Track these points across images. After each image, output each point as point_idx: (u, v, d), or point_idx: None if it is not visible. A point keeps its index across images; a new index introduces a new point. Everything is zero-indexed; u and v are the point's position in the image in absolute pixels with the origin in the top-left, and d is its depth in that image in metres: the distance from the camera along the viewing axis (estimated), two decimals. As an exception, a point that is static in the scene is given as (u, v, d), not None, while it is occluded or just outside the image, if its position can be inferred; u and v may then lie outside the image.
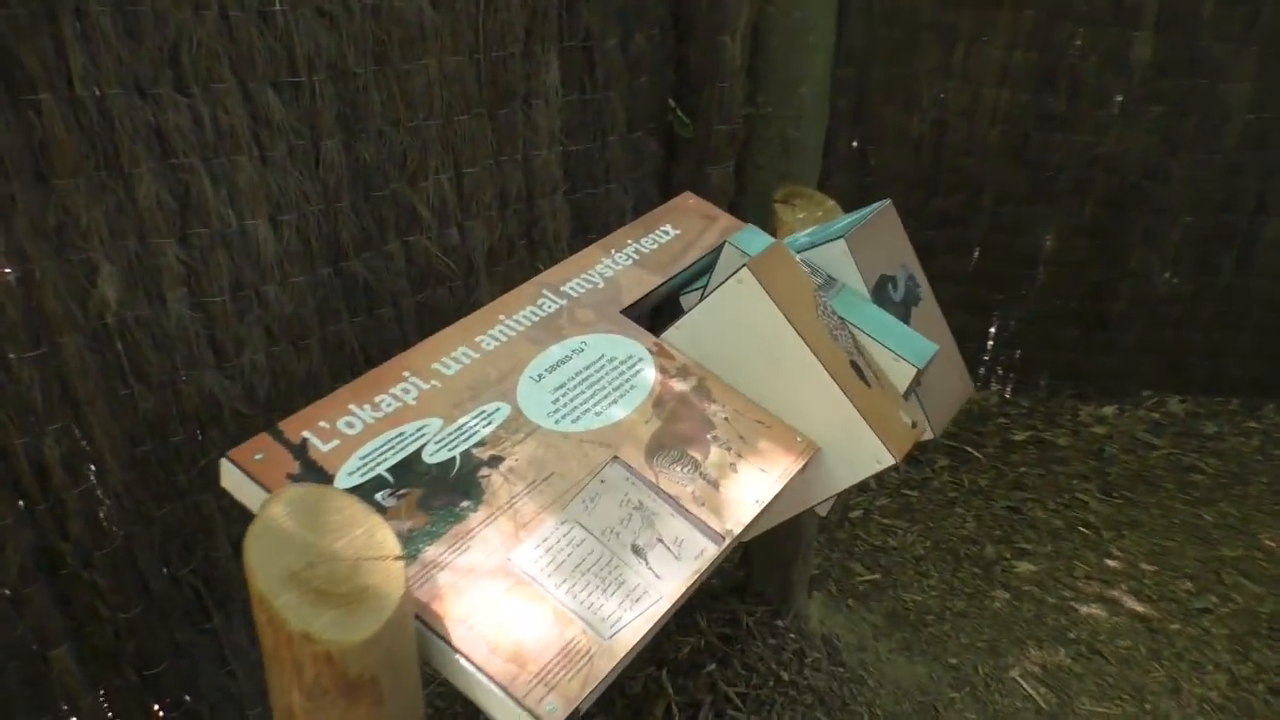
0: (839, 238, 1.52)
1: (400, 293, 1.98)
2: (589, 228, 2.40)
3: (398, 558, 1.04)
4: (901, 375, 1.48)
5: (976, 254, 3.21)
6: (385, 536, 1.06)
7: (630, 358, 1.51)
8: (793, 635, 2.19)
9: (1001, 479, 2.99)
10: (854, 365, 1.45)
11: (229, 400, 1.70)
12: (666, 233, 1.78)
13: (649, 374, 1.49)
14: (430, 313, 2.08)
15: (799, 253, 1.56)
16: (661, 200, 2.62)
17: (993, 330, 3.38)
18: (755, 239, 1.57)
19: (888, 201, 1.62)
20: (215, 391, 1.67)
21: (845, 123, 2.91)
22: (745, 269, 1.42)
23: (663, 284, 1.67)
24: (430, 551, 1.16)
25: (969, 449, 3.11)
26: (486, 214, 2.12)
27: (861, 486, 2.90)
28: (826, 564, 2.55)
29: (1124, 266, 3.21)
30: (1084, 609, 2.48)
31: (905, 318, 1.58)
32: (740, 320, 1.46)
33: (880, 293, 1.55)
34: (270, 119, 1.64)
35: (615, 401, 1.43)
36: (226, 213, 1.63)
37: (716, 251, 1.77)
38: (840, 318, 1.48)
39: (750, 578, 2.25)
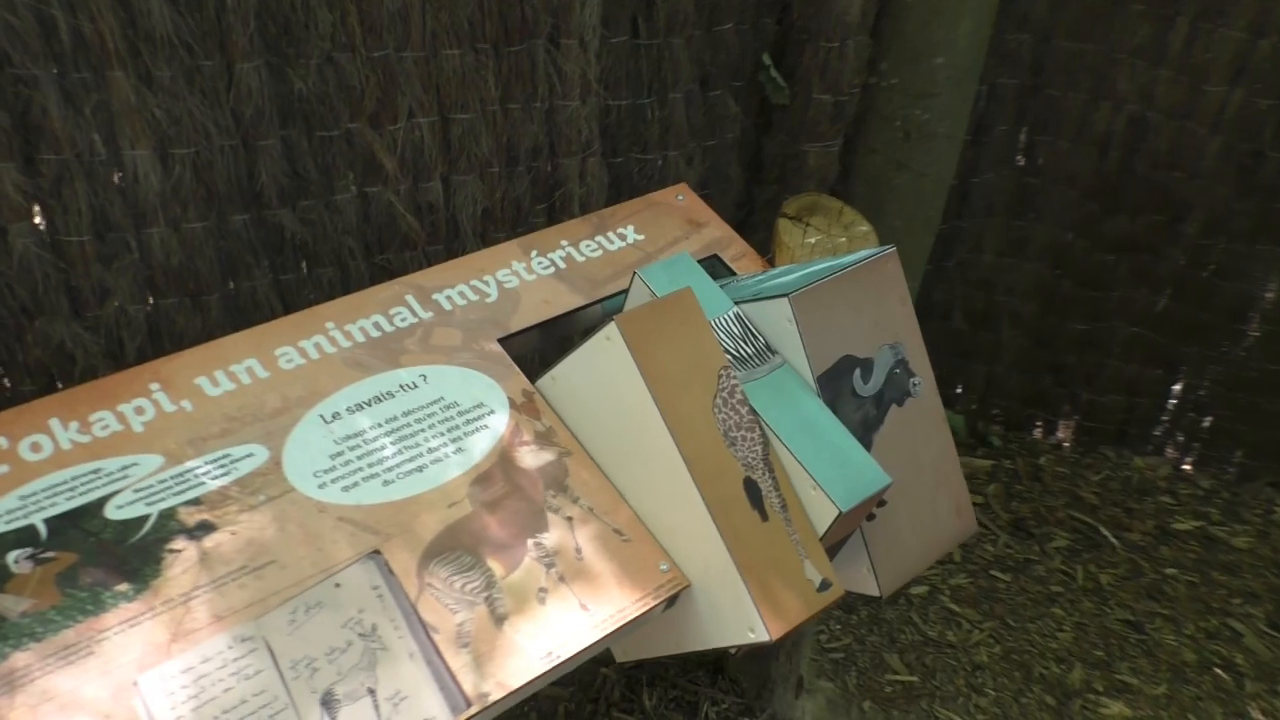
0: (782, 295, 1.06)
1: (348, 253, 1.67)
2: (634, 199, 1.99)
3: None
4: (820, 513, 1.02)
5: (1168, 293, 2.54)
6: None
7: (478, 407, 1.13)
8: (760, 743, 1.78)
9: (1134, 579, 2.38)
10: (749, 485, 1.01)
11: (85, 356, 1.46)
12: (623, 237, 1.36)
13: (493, 433, 1.11)
14: (391, 279, 1.77)
15: (741, 304, 1.12)
16: (741, 177, 2.17)
17: (1177, 388, 2.69)
18: (676, 272, 1.14)
19: (890, 249, 1.14)
20: (68, 343, 1.44)
21: (1009, 105, 2.31)
22: (613, 323, 1.00)
23: (584, 307, 1.27)
24: (26, 654, 0.86)
25: (1104, 530, 2.50)
26: (487, 170, 1.76)
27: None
28: (857, 648, 2.08)
29: (1373, 339, 2.45)
30: (1179, 788, 1.90)
31: (873, 422, 1.11)
32: (607, 390, 1.05)
33: (836, 381, 1.08)
34: (152, 33, 1.35)
35: (423, 468, 1.06)
36: (89, 139, 1.36)
37: (681, 271, 1.34)
38: (754, 413, 1.03)
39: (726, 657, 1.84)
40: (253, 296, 1.59)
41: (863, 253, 1.13)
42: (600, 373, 1.05)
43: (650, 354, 1.00)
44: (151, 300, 1.50)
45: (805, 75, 2.02)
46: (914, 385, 1.14)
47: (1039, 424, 2.77)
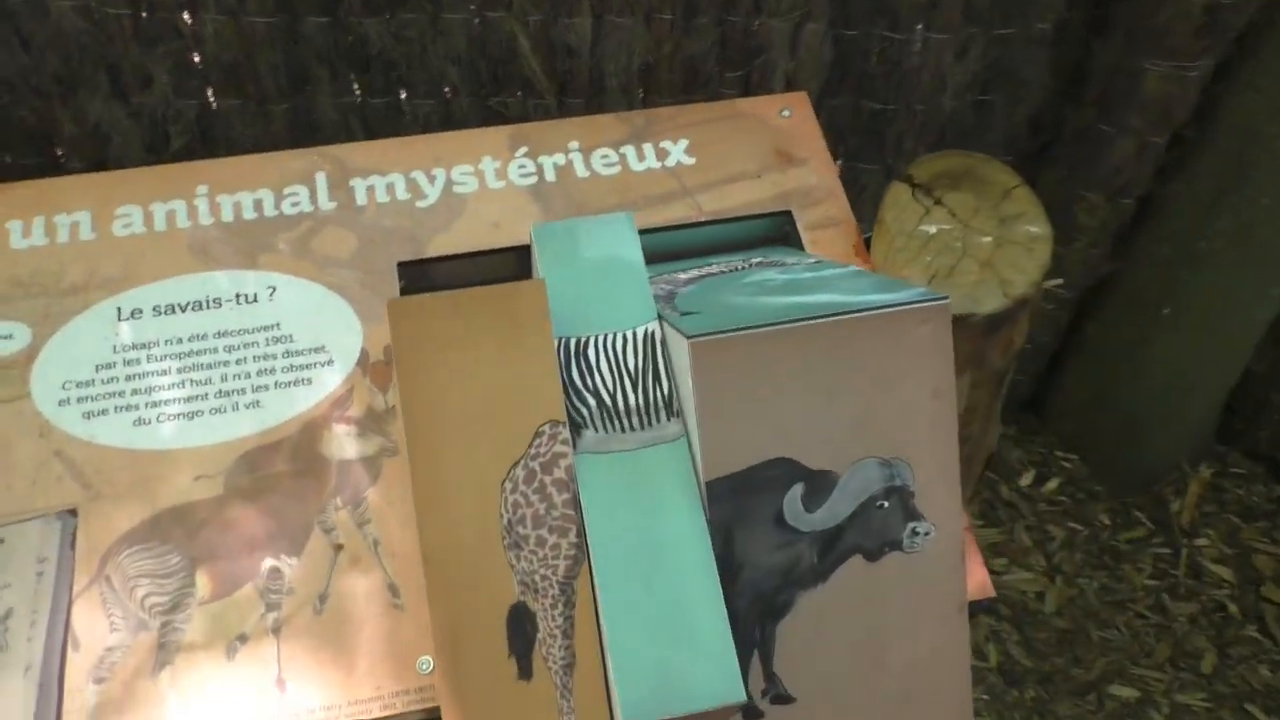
0: (688, 334, 0.62)
1: (450, 85, 1.37)
2: (869, 91, 1.49)
3: None
4: (616, 707, 0.62)
5: None
6: None
7: (315, 351, 0.83)
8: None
9: None
10: (517, 617, 0.63)
11: (123, 144, 1.31)
12: (664, 154, 0.94)
13: (313, 393, 0.81)
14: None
15: (669, 321, 0.69)
16: (1045, 87, 1.55)
17: None
18: (590, 240, 0.72)
19: (943, 302, 0.64)
20: (104, 126, 1.30)
21: None
22: (390, 304, 0.64)
23: (549, 244, 0.89)
24: None
25: None
26: (655, 15, 1.36)
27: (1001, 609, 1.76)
28: (992, 739, 1.60)
29: None
30: None
31: (805, 575, 0.66)
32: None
33: (748, 495, 0.64)
34: None
35: (196, 415, 0.79)
36: (125, -108, 1.15)
37: (722, 225, 0.91)
38: (576, 507, 0.64)
39: None
40: (329, 115, 1.36)
41: (909, 295, 0.65)
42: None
43: (425, 369, 0.63)
44: (212, 97, 1.32)
45: (1169, -49, 1.35)
46: (913, 536, 0.66)
47: None
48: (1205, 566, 1.88)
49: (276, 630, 0.72)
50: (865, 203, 1.57)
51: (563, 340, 0.68)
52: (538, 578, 0.63)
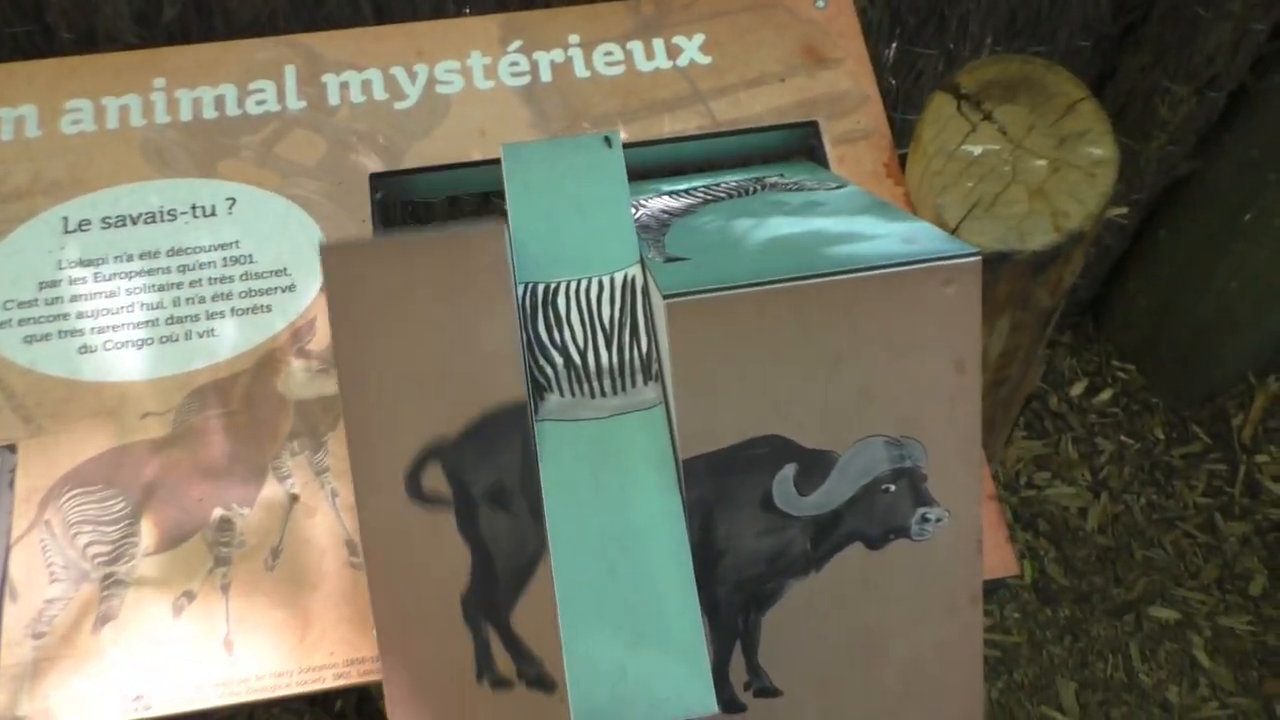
0: (665, 293, 0.53)
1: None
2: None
3: None
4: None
5: None
6: None
7: (277, 274, 0.75)
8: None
9: None
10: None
11: (116, 12, 1.21)
12: (677, 50, 0.83)
13: (273, 322, 0.73)
14: (527, 8, 1.32)
15: (645, 265, 0.60)
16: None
17: None
18: (570, 164, 0.62)
19: (972, 259, 0.54)
20: (89, -6, 1.20)
21: None
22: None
23: (541, 155, 0.79)
24: None
25: None
26: None
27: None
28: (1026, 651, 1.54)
29: None
30: None
31: (796, 562, 0.58)
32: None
33: (731, 475, 0.56)
34: None
35: (145, 344, 0.73)
36: None
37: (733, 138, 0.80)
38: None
39: None
40: (329, -16, 1.24)
41: (924, 243, 0.55)
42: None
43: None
44: (203, -37, 1.21)
45: None
46: (923, 523, 0.58)
47: None
48: (1263, 485, 1.77)
49: (225, 587, 0.67)
50: (921, 90, 1.42)
51: (529, 286, 0.59)
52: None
